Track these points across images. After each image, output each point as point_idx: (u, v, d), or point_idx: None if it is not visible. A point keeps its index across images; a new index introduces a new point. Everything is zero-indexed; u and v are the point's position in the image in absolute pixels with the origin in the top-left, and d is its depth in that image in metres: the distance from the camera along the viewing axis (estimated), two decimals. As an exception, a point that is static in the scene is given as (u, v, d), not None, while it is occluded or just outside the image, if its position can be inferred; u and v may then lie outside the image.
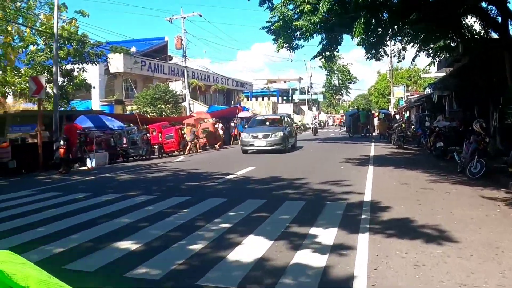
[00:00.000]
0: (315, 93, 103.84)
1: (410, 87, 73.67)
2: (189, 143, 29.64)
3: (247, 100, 70.24)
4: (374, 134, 42.51)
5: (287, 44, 30.65)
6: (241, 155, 24.42)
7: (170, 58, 55.29)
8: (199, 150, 29.89)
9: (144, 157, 26.48)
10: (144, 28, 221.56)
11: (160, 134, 29.85)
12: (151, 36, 57.77)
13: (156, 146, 29.22)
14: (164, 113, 40.37)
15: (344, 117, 54.27)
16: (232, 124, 35.83)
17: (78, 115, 24.23)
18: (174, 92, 41.92)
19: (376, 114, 46.97)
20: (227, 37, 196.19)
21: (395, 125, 29.55)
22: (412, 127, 31.09)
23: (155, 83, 43.77)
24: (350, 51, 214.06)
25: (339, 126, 72.98)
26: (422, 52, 26.65)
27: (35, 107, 29.32)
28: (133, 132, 30.21)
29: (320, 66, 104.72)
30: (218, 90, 59.13)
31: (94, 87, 35.16)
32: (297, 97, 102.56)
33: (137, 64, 46.10)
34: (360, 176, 14.33)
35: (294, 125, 30.23)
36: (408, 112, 51.36)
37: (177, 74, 54.78)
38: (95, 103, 42.55)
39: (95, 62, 29.80)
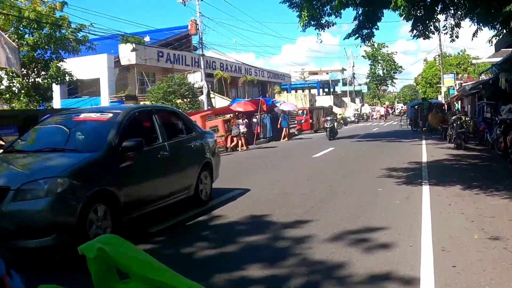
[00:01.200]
0: (359, 85, 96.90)
1: (460, 75, 66.73)
2: (235, 139, 25.37)
3: (287, 92, 64.24)
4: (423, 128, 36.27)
5: (315, 22, 24.75)
6: (248, 164, 18.37)
7: (195, 48, 49.71)
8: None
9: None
10: (163, 16, 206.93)
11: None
12: (175, 25, 51.79)
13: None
14: (179, 109, 34.73)
15: (407, 109, 47.56)
16: (254, 120, 29.73)
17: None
18: (191, 84, 36.07)
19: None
20: (253, 21, 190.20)
21: (453, 117, 23.01)
22: (467, 119, 24.22)
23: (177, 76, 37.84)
24: (395, 42, 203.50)
25: (382, 118, 66.08)
26: (483, 26, 20.33)
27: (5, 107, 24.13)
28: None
29: (363, 56, 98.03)
30: (248, 82, 52.82)
31: (80, 82, 29.71)
32: (339, 88, 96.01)
33: (152, 55, 40.62)
34: (409, 214, 8.11)
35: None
36: (459, 102, 44.20)
37: (204, 66, 49.15)
38: (104, 99, 37.44)
39: (76, 50, 24.12)
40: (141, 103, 36.99)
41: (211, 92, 39.65)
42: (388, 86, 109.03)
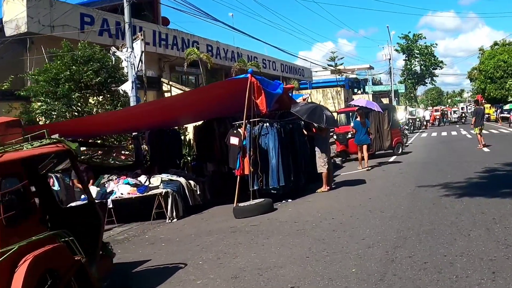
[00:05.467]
0: (395, 84, 77.34)
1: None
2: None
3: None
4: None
5: None
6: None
7: (166, 21, 30.53)
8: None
9: None
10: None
11: None
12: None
13: None
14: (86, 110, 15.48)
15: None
16: (233, 141, 10.21)
17: None
18: (110, 60, 16.28)
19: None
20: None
21: None
22: None
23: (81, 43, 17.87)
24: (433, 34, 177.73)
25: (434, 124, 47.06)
26: None
27: None
28: None
29: (396, 49, 78.40)
30: (246, 72, 32.75)
31: None
32: (369, 88, 76.84)
33: (69, 20, 21.21)
34: None
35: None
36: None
37: (180, 48, 29.31)
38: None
39: None
40: (33, 104, 17.63)
41: (165, 81, 20.08)
42: (426, 85, 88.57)
